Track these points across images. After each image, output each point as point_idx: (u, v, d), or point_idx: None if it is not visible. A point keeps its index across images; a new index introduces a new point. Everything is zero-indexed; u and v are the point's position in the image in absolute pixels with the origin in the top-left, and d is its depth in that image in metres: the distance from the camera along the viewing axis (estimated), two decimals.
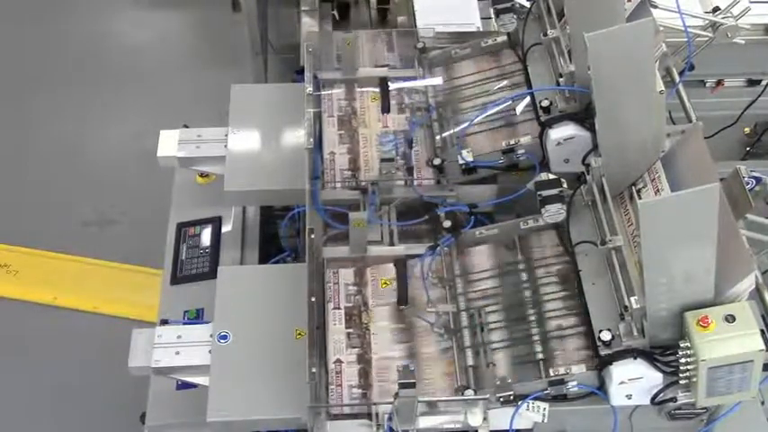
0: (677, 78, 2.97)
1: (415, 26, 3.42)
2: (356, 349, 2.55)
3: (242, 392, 2.51)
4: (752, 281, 2.21)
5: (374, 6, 3.91)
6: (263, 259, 3.21)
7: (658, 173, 2.47)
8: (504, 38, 3.20)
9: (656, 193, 2.45)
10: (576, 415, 2.41)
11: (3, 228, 4.77)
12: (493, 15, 3.16)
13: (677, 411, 2.39)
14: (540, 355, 2.46)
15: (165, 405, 2.80)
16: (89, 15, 6.00)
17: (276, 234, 3.31)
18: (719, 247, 2.07)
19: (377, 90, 3.20)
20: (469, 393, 2.40)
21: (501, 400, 2.36)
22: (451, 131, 3.04)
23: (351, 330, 2.59)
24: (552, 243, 2.68)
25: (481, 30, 3.42)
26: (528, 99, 2.95)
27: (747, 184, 2.46)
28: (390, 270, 2.71)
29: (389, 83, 3.20)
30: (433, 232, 2.79)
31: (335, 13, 3.94)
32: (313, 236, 2.64)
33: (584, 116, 2.72)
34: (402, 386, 2.26)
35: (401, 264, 2.70)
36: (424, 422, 2.36)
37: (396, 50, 3.37)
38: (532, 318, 2.54)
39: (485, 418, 2.36)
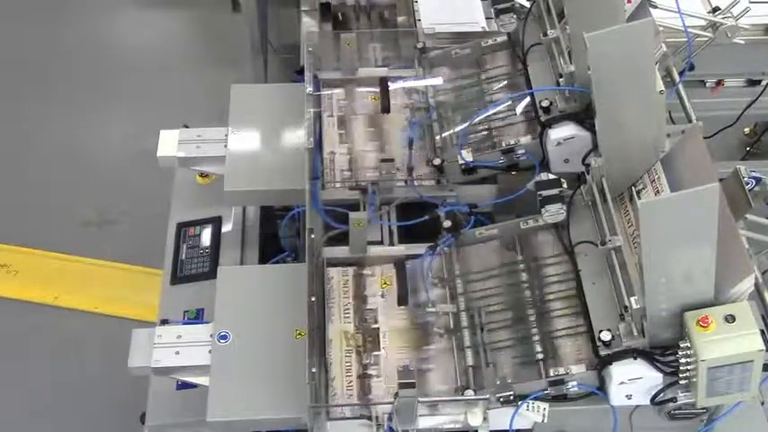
0: (677, 78, 2.98)
1: (416, 26, 3.42)
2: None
3: (242, 392, 2.50)
4: (752, 281, 2.21)
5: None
6: (263, 259, 3.21)
7: (658, 174, 2.47)
8: (504, 38, 3.20)
9: (655, 195, 2.45)
10: (576, 415, 2.41)
11: (3, 228, 4.77)
12: (493, 15, 3.17)
13: (677, 411, 2.39)
14: (540, 355, 2.46)
15: (165, 405, 2.79)
16: (89, 15, 6.00)
17: (276, 234, 3.31)
18: (719, 248, 2.07)
19: (377, 90, 3.20)
20: (469, 393, 2.40)
21: (501, 400, 2.36)
22: (451, 131, 3.04)
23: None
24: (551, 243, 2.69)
25: (486, 30, 3.42)
26: (528, 99, 2.95)
27: (747, 184, 2.46)
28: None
29: (389, 83, 3.20)
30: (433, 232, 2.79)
31: (340, 15, 3.94)
32: (313, 236, 2.64)
33: (585, 116, 2.72)
34: (402, 386, 2.26)
35: (401, 264, 2.71)
36: (424, 422, 2.36)
37: (396, 50, 3.37)
38: (532, 318, 2.55)
39: (485, 418, 2.36)
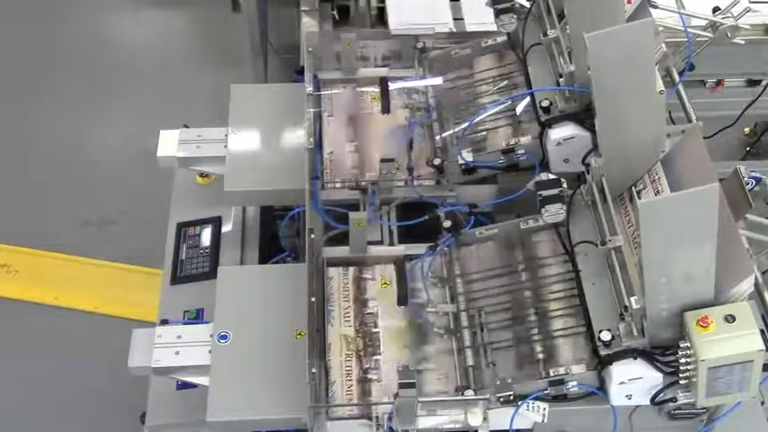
0: (677, 78, 2.97)
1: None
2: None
3: (242, 392, 2.51)
4: (752, 282, 2.21)
5: (374, 7, 3.91)
6: (263, 259, 3.21)
7: (658, 174, 2.47)
8: (504, 38, 3.20)
9: (655, 195, 2.45)
10: (576, 415, 2.41)
11: (3, 228, 4.77)
12: (492, 15, 3.16)
13: (677, 411, 2.40)
14: (540, 355, 2.46)
15: (165, 405, 2.80)
16: (89, 15, 6.00)
17: (276, 234, 3.31)
18: (719, 248, 2.07)
19: (377, 90, 3.20)
20: (469, 393, 2.40)
21: (501, 400, 2.36)
22: (451, 131, 3.04)
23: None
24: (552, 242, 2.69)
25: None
26: (528, 99, 2.95)
27: (747, 184, 2.46)
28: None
29: (389, 83, 3.20)
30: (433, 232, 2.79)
31: (335, 13, 3.95)
32: (313, 236, 2.64)
33: (585, 116, 2.72)
34: (402, 386, 2.26)
35: (401, 264, 2.71)
36: (424, 422, 2.36)
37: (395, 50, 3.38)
38: (532, 318, 2.55)
39: (485, 418, 2.36)
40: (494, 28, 3.15)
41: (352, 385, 2.48)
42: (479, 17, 3.41)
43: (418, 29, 3.31)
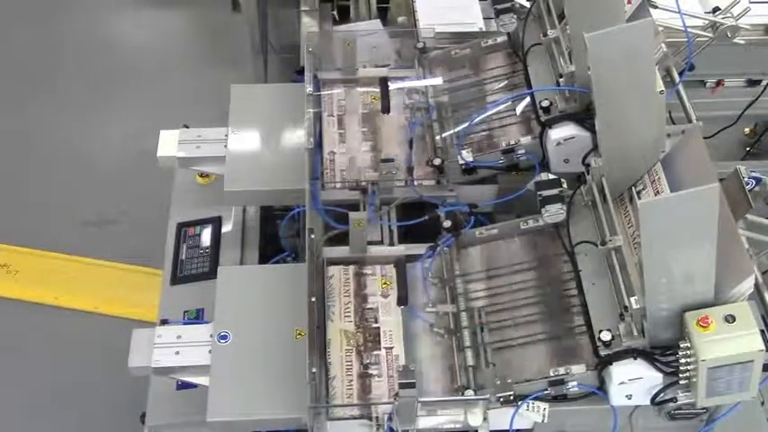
0: (677, 78, 2.97)
1: (416, 26, 3.42)
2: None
3: (242, 392, 2.51)
4: (752, 282, 2.21)
5: (374, 6, 3.92)
6: (263, 259, 3.21)
7: (658, 174, 2.47)
8: (504, 38, 3.20)
9: (656, 195, 2.45)
10: (576, 415, 2.41)
11: (3, 228, 4.77)
12: (493, 15, 3.17)
13: (677, 411, 2.40)
14: (541, 356, 2.46)
15: (165, 405, 2.80)
16: (89, 15, 6.00)
17: (276, 234, 3.32)
18: (719, 248, 2.07)
19: (377, 90, 3.20)
20: (469, 393, 2.40)
21: (501, 400, 2.36)
22: (451, 131, 3.04)
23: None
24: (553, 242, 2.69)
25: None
26: (528, 99, 2.95)
27: (747, 184, 2.46)
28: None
29: (389, 83, 3.20)
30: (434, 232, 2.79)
31: (335, 13, 3.96)
32: (313, 236, 2.64)
33: (585, 116, 2.72)
34: (402, 386, 2.26)
35: (401, 264, 2.71)
36: (424, 422, 2.36)
37: (395, 50, 3.38)
38: (532, 318, 2.55)
39: (485, 418, 2.36)
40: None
41: (352, 380, 2.48)
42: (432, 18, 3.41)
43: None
